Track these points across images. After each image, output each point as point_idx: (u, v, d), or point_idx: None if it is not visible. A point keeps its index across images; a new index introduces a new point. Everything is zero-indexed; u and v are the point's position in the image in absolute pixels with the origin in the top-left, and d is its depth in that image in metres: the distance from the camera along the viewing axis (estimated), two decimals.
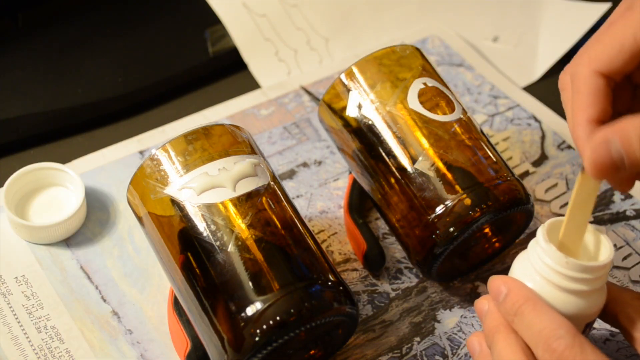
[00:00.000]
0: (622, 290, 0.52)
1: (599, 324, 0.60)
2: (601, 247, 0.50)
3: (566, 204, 0.69)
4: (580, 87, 0.48)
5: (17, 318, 0.59)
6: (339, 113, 0.64)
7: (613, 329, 0.58)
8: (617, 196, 0.70)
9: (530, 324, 0.47)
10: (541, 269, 0.49)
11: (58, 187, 0.66)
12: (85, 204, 0.65)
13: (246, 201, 0.54)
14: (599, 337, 0.61)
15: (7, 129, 0.70)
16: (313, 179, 0.70)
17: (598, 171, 0.45)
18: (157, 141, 0.72)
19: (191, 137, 0.56)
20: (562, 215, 0.62)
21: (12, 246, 0.63)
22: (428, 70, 0.64)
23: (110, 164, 0.70)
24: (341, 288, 0.53)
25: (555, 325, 0.46)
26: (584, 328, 0.51)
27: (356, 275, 0.64)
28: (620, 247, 0.67)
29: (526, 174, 0.72)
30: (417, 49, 0.65)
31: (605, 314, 0.52)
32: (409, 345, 0.60)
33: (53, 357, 0.58)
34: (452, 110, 0.61)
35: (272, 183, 0.56)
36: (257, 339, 0.50)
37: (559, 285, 0.49)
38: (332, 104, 0.64)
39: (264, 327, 0.50)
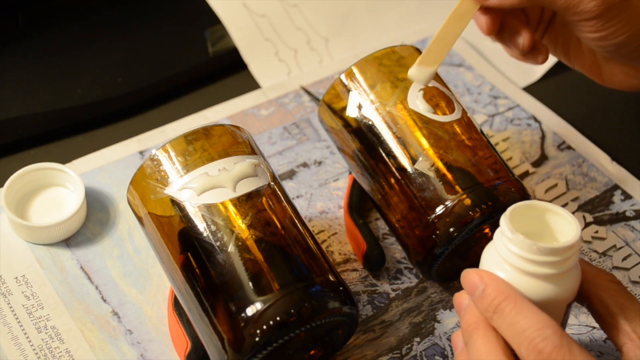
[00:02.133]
0: (597, 271, 0.51)
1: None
2: (568, 227, 0.49)
3: (566, 204, 0.69)
4: None
5: (17, 318, 0.59)
6: (339, 113, 0.64)
7: None
8: (617, 197, 0.70)
9: (512, 322, 0.46)
10: (510, 259, 0.48)
11: (58, 187, 0.66)
12: (85, 204, 0.65)
13: (246, 201, 0.54)
14: (599, 337, 0.61)
15: (7, 129, 0.70)
16: (313, 179, 0.70)
17: None
18: (157, 141, 0.72)
19: (191, 138, 0.56)
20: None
21: (12, 246, 0.63)
22: None
23: (110, 164, 0.70)
24: (341, 288, 0.53)
25: (541, 324, 0.45)
26: (565, 309, 0.50)
27: (356, 276, 0.64)
28: (620, 248, 0.67)
29: (526, 174, 0.72)
30: (417, 49, 0.65)
31: (579, 295, 0.51)
32: (409, 345, 0.60)
33: (53, 357, 0.58)
34: (452, 110, 0.61)
35: (272, 183, 0.56)
36: (257, 339, 0.50)
37: (531, 272, 0.48)
38: (332, 104, 0.64)
39: (264, 327, 0.50)
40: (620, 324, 0.49)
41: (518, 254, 0.48)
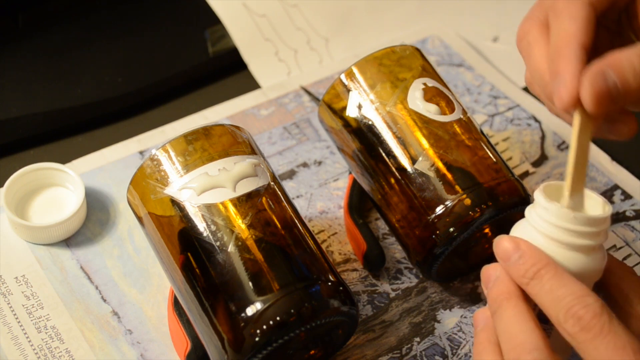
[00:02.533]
0: (618, 263, 0.51)
1: None
2: (597, 207, 0.49)
3: None
4: (569, 17, 0.48)
5: (17, 318, 0.59)
6: (339, 113, 0.64)
7: None
8: (617, 197, 0.70)
9: (552, 289, 0.45)
10: (545, 229, 0.47)
11: (58, 187, 0.66)
12: (85, 204, 0.65)
13: (246, 201, 0.54)
14: None
15: (7, 129, 0.70)
16: (313, 179, 0.70)
17: (598, 103, 0.45)
18: (157, 141, 0.72)
19: (191, 138, 0.56)
20: None
21: (12, 246, 0.63)
22: (428, 70, 0.64)
23: (110, 164, 0.70)
24: (341, 288, 0.53)
25: (582, 292, 0.44)
26: (592, 288, 0.49)
27: (356, 276, 0.64)
28: (620, 248, 0.67)
29: (526, 174, 0.72)
30: (417, 49, 0.65)
31: (597, 283, 0.50)
32: (409, 345, 0.60)
33: (53, 357, 0.58)
34: (452, 110, 0.61)
35: (272, 183, 0.56)
36: (257, 339, 0.50)
37: (566, 242, 0.47)
38: (332, 104, 0.64)
39: (264, 327, 0.50)
40: (637, 311, 0.49)
41: (554, 223, 0.47)
